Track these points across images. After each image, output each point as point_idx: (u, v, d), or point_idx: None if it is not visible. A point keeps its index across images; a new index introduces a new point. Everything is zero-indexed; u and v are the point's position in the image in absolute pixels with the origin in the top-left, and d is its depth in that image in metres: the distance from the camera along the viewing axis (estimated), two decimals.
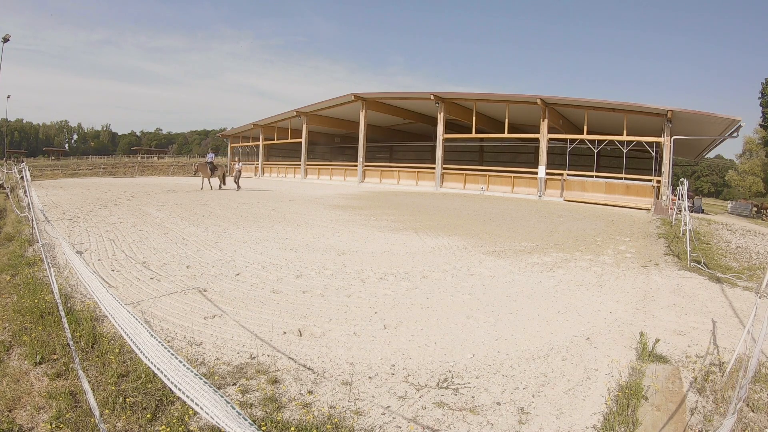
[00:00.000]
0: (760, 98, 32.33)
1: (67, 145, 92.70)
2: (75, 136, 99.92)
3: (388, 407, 2.61)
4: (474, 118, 21.71)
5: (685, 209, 8.63)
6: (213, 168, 18.40)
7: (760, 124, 34.36)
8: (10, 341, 3.32)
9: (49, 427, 2.30)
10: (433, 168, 23.15)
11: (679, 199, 10.38)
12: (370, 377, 2.97)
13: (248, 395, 2.67)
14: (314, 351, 3.34)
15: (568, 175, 18.63)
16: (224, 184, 18.99)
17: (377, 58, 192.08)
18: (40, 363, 2.97)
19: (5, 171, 19.18)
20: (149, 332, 1.78)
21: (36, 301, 3.89)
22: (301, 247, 7.11)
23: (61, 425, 2.30)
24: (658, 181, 16.89)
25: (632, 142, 18.06)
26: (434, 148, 23.42)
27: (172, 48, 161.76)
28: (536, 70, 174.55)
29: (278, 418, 2.40)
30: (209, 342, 3.39)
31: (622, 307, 4.62)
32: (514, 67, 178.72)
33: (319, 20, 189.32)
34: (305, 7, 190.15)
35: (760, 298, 2.80)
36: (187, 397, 1.39)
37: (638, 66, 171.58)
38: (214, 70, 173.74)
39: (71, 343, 3.03)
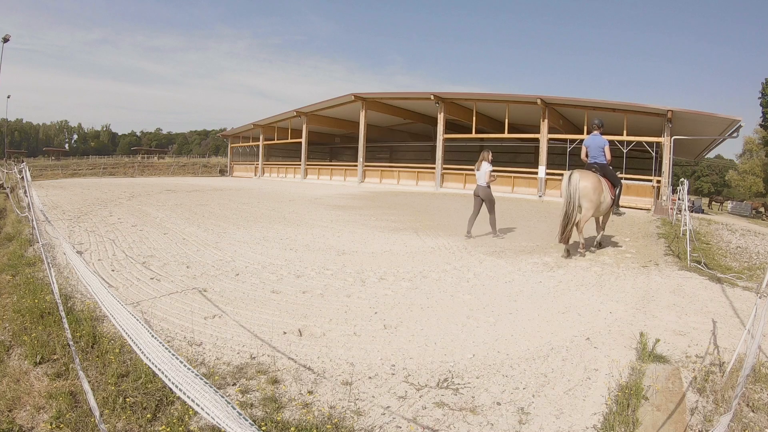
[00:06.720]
0: (760, 98, 32.34)
1: (67, 145, 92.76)
2: (75, 136, 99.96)
3: (388, 407, 2.61)
4: (474, 118, 21.70)
5: (685, 209, 8.62)
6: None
7: (760, 124, 34.40)
8: (10, 341, 3.32)
9: (49, 427, 2.30)
10: (433, 168, 23.14)
11: (679, 200, 10.38)
12: (370, 377, 2.97)
13: (248, 395, 2.67)
14: (314, 351, 3.34)
15: None
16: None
17: (376, 58, 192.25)
18: (40, 363, 2.97)
19: (5, 171, 19.17)
20: (149, 332, 1.78)
21: (36, 301, 3.89)
22: (301, 247, 7.11)
23: (61, 425, 2.30)
24: (658, 181, 16.88)
25: (632, 142, 18.04)
26: (434, 148, 23.41)
27: (169, 47, 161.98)
28: (536, 70, 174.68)
29: (278, 418, 2.40)
30: (209, 342, 3.39)
31: (622, 307, 4.62)
32: (514, 67, 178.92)
33: (316, 19, 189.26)
34: (303, 6, 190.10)
35: (760, 298, 2.80)
36: (188, 397, 1.39)
37: (638, 66, 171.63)
38: (213, 70, 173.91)
39: (71, 343, 3.03)
